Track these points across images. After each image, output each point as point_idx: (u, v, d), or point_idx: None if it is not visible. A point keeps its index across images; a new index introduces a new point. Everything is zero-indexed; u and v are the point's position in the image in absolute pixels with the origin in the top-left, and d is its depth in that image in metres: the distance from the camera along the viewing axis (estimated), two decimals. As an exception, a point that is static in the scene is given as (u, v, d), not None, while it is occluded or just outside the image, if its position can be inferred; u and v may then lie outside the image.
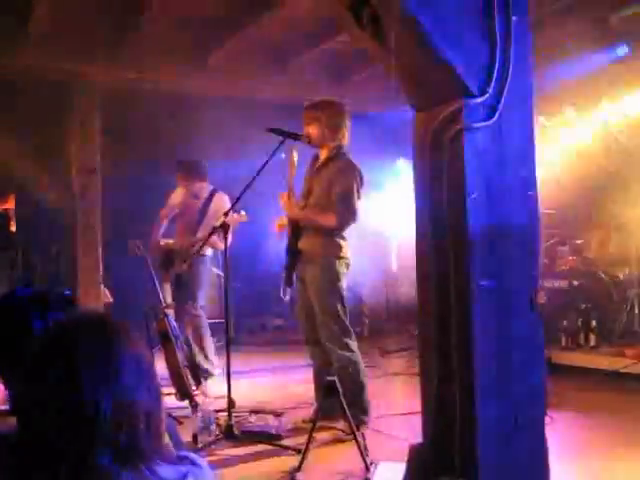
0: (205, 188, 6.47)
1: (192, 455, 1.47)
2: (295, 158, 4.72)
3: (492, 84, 2.34)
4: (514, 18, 2.39)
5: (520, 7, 2.40)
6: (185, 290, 6.13)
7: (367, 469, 3.81)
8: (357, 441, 3.90)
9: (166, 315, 5.40)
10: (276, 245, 6.76)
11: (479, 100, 2.33)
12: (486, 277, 2.31)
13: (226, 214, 4.66)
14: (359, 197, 4.65)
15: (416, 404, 5.24)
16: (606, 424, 4.68)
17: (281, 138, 4.52)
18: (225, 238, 4.62)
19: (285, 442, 4.46)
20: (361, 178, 4.70)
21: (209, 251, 6.45)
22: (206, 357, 6.16)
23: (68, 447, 1.26)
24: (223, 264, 5.04)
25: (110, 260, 7.13)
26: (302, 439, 4.45)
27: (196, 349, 6.10)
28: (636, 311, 6.67)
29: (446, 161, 2.34)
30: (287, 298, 4.86)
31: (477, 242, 2.30)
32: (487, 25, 2.36)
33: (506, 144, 2.41)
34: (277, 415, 5.00)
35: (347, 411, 4.13)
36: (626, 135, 6.94)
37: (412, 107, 2.49)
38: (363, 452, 3.87)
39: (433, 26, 2.20)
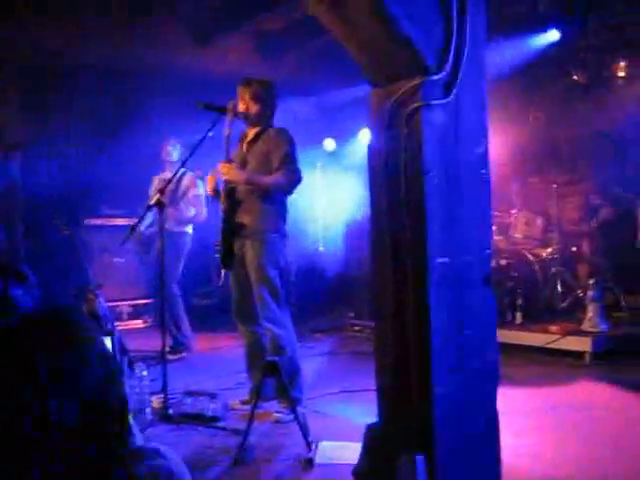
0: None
1: (161, 448, 1.41)
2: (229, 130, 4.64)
3: (449, 62, 2.35)
4: (470, -2, 2.40)
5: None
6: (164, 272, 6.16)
7: (309, 449, 3.82)
8: (298, 421, 3.89)
9: (97, 295, 5.24)
10: (202, 225, 6.72)
11: (436, 77, 2.33)
12: (442, 254, 2.33)
13: (161, 192, 4.54)
14: (297, 157, 4.63)
15: (350, 383, 5.38)
16: (535, 394, 4.87)
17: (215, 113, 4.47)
18: (161, 216, 4.50)
19: (222, 424, 4.43)
20: (294, 141, 4.67)
21: (188, 228, 6.55)
22: (183, 334, 6.36)
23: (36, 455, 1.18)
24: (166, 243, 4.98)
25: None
26: (239, 420, 4.45)
27: (172, 328, 6.25)
28: (559, 289, 6.91)
29: (404, 138, 2.33)
30: (221, 282, 4.80)
31: (434, 219, 2.31)
32: (444, 4, 2.35)
33: (461, 122, 2.43)
34: (212, 397, 4.94)
35: (288, 391, 4.12)
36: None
37: (369, 83, 2.47)
38: (305, 432, 3.88)
39: (395, 1, 2.18)
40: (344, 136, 9.87)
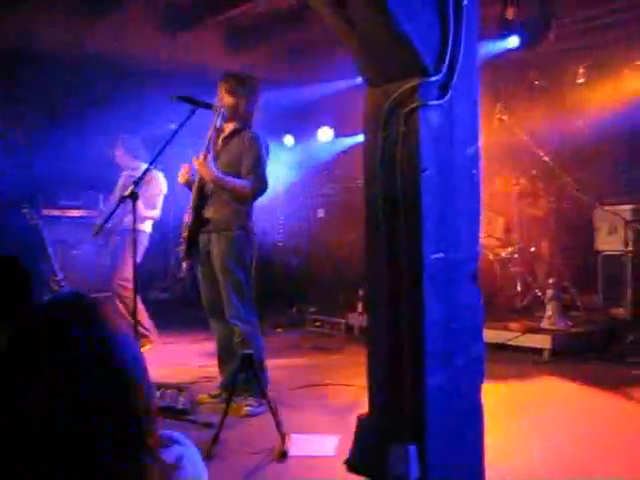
0: (141, 167, 6.38)
1: (175, 434, 1.43)
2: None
3: (445, 64, 2.41)
4: (465, 1, 2.46)
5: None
6: (114, 268, 6.10)
7: (283, 441, 3.85)
8: (274, 414, 3.93)
9: (62, 287, 5.18)
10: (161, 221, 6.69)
11: (434, 79, 2.39)
12: (436, 250, 2.39)
13: (136, 183, 4.51)
14: (266, 167, 4.68)
15: (313, 377, 5.43)
16: (497, 390, 4.99)
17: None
18: (134, 208, 4.46)
19: (192, 417, 4.44)
20: (268, 150, 4.72)
21: (146, 226, 6.44)
22: (142, 327, 6.21)
23: (68, 446, 1.16)
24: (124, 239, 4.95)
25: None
26: (208, 413, 4.46)
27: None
28: (518, 288, 7.08)
29: (400, 137, 2.38)
30: (182, 274, 4.80)
31: (429, 216, 2.38)
32: (441, 7, 2.42)
33: (455, 122, 2.49)
34: (181, 390, 4.93)
35: (261, 384, 4.16)
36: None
37: (366, 81, 2.52)
38: (278, 425, 3.91)
39: (397, 3, 2.23)
40: (304, 133, 9.93)
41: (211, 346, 6.48)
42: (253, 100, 4.74)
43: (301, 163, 9.55)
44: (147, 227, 6.51)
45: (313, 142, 9.93)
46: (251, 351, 4.02)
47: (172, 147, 4.60)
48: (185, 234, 4.69)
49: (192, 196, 4.68)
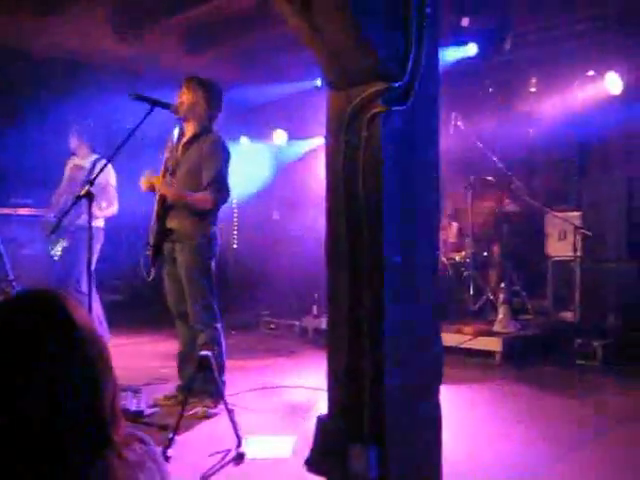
0: (89, 157, 6.26)
1: (139, 433, 1.43)
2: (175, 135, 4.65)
3: (407, 70, 2.45)
4: (427, 10, 2.51)
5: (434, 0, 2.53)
6: (67, 268, 5.97)
7: (239, 443, 3.85)
8: (231, 416, 3.92)
9: (13, 287, 5.09)
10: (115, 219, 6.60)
11: (396, 84, 2.43)
12: (397, 253, 2.43)
13: (91, 182, 4.45)
14: (228, 174, 4.68)
15: (268, 379, 5.44)
16: (450, 391, 5.07)
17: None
18: (90, 208, 4.40)
19: (147, 419, 4.39)
20: (229, 155, 4.72)
21: (100, 222, 6.32)
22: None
23: (35, 445, 1.16)
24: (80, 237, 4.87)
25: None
26: (164, 416, 4.43)
27: None
28: (471, 292, 7.20)
29: (363, 142, 2.42)
30: (151, 278, 4.78)
31: (391, 219, 2.41)
32: (404, 14, 2.46)
33: (417, 128, 2.54)
34: (135, 391, 4.88)
35: (219, 386, 4.15)
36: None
37: (329, 85, 2.54)
38: (235, 427, 3.91)
39: (360, 8, 2.27)
40: (259, 135, 9.94)
41: (166, 348, 6.46)
42: (214, 105, 4.73)
43: (256, 165, 9.55)
44: (101, 222, 6.39)
45: (268, 144, 9.95)
46: (209, 353, 4.00)
47: (143, 149, 4.58)
48: (152, 241, 4.68)
49: (155, 206, 4.67)
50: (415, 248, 2.50)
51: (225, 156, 4.67)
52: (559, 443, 4.03)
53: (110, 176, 6.39)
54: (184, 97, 4.62)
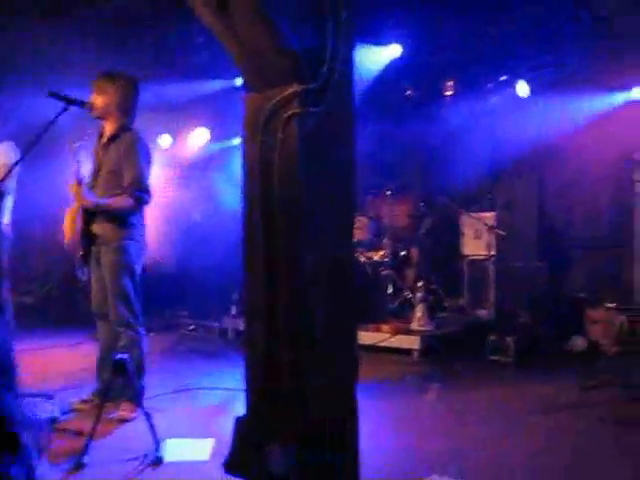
0: None
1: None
2: (77, 148, 4.52)
3: (323, 73, 2.48)
4: (343, 12, 2.54)
5: (349, 3, 2.56)
6: None
7: (157, 447, 3.80)
8: (149, 420, 3.86)
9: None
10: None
11: (312, 86, 2.45)
12: (312, 253, 2.45)
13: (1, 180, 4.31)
14: (149, 174, 4.61)
15: (188, 381, 5.39)
16: (369, 389, 5.16)
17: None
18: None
19: (62, 425, 4.29)
20: (149, 154, 4.65)
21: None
22: None
23: None
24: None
25: None
26: (80, 421, 4.32)
27: None
28: (389, 291, 7.32)
29: (279, 143, 2.43)
30: (85, 278, 4.69)
31: (307, 219, 2.43)
32: (320, 16, 2.48)
33: (332, 129, 2.57)
34: (48, 397, 4.76)
35: (136, 390, 4.09)
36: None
37: (246, 86, 2.55)
38: (153, 430, 3.85)
39: (277, 10, 2.28)
40: (180, 133, 9.82)
41: (82, 351, 6.31)
42: (128, 99, 4.62)
43: (177, 164, 9.44)
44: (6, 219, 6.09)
45: (189, 143, 9.84)
46: (125, 356, 3.94)
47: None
48: (81, 242, 4.59)
49: (79, 214, 4.57)
50: (331, 248, 2.53)
51: (145, 156, 4.59)
52: (475, 437, 4.16)
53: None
54: (95, 98, 4.52)
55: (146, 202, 4.60)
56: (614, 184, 7.37)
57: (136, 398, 4.18)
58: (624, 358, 5.78)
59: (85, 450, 3.69)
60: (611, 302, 6.74)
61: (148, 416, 3.93)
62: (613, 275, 7.33)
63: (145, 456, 3.77)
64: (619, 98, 7.25)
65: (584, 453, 3.86)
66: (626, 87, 7.19)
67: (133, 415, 4.37)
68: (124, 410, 4.41)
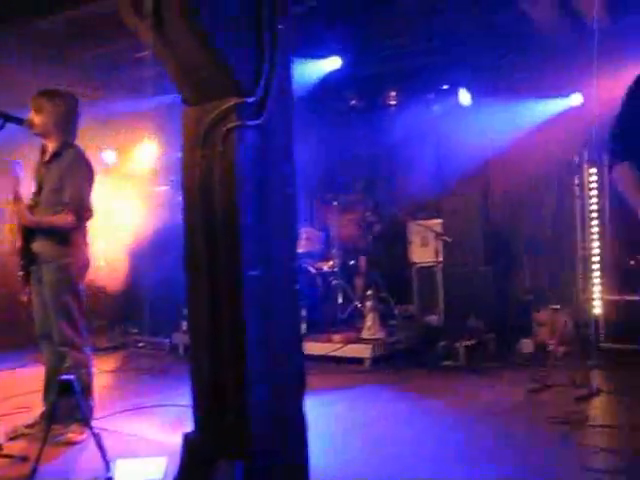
0: None
1: None
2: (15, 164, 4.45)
3: (261, 85, 2.49)
4: (280, 27, 2.56)
5: (286, 17, 2.58)
6: None
7: (107, 468, 3.73)
8: (98, 441, 3.79)
9: None
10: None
11: (250, 100, 2.46)
12: (254, 267, 2.45)
13: None
14: (91, 191, 4.56)
15: (137, 399, 5.32)
16: (323, 399, 5.15)
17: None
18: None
19: (5, 451, 4.17)
20: (91, 171, 4.60)
21: None
22: None
23: None
24: None
25: None
26: (25, 446, 4.22)
27: None
28: (339, 300, 7.35)
29: (218, 157, 2.43)
30: (26, 298, 4.59)
31: (247, 233, 2.43)
32: (257, 30, 2.50)
33: (271, 142, 2.58)
34: (-8, 423, 4.63)
35: (83, 411, 4.01)
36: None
37: (183, 101, 2.54)
38: (102, 451, 3.78)
39: (213, 25, 2.29)
40: (126, 148, 9.70)
41: (27, 374, 6.15)
42: (67, 117, 4.56)
43: (123, 178, 9.31)
44: None
45: (136, 157, 9.73)
46: (71, 377, 3.86)
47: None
48: (21, 262, 4.49)
49: (19, 233, 4.48)
50: (272, 262, 2.54)
51: (86, 172, 4.54)
52: (428, 441, 4.20)
53: None
54: (34, 116, 4.45)
55: (87, 219, 4.55)
56: (556, 188, 7.54)
57: (84, 419, 4.10)
58: (570, 358, 5.90)
59: (31, 476, 3.61)
60: (556, 304, 6.90)
61: (97, 437, 3.86)
62: (557, 277, 7.49)
63: (95, 479, 3.71)
64: (558, 105, 7.42)
65: (532, 453, 3.92)
66: (564, 94, 7.37)
67: (82, 437, 4.29)
68: (72, 432, 4.32)
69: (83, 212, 4.49)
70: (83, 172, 4.52)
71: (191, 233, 2.51)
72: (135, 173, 9.39)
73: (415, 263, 7.91)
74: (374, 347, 6.49)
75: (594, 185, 6.91)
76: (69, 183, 4.45)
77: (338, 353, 6.48)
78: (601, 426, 4.35)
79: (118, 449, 4.06)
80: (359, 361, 6.45)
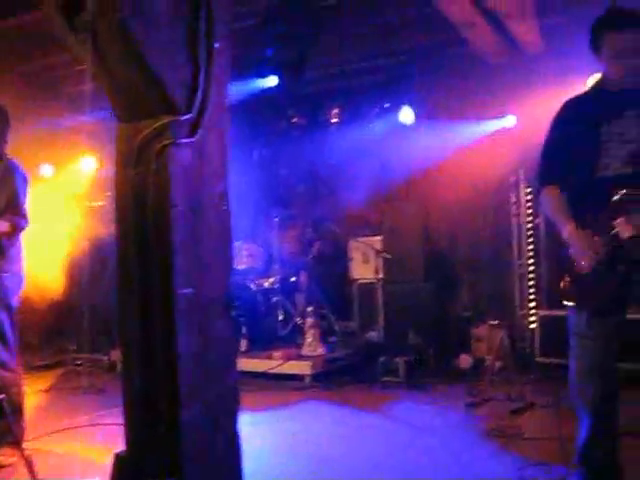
0: None
1: None
2: None
3: (196, 104, 2.48)
4: (216, 45, 2.56)
5: (222, 34, 2.59)
6: None
7: (37, 490, 3.64)
8: (28, 463, 3.70)
9: None
10: None
11: (184, 117, 2.45)
12: (187, 285, 2.44)
13: None
14: (25, 200, 4.47)
15: (73, 419, 5.20)
16: (264, 417, 5.12)
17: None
18: None
19: None
20: (25, 180, 4.52)
21: None
22: None
23: None
24: None
25: None
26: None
27: None
28: (280, 317, 7.34)
29: (151, 174, 2.41)
30: None
31: (180, 252, 2.42)
32: (192, 47, 2.49)
33: (206, 160, 2.57)
34: None
35: (13, 432, 3.91)
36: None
37: (117, 118, 2.52)
38: (33, 474, 3.69)
39: (147, 41, 2.27)
40: (63, 162, 9.53)
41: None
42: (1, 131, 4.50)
43: (61, 193, 9.14)
44: None
45: (75, 171, 9.56)
46: (1, 397, 3.77)
47: None
48: None
49: None
50: (206, 280, 2.53)
51: (19, 182, 4.46)
52: (367, 456, 4.22)
53: None
54: None
55: (22, 227, 4.46)
56: (493, 206, 7.70)
57: (15, 441, 3.99)
58: (506, 372, 6.01)
59: (-43, 500, 3.50)
60: (494, 319, 7.03)
61: (28, 459, 3.76)
62: (495, 294, 7.63)
63: (24, 501, 3.62)
64: (494, 125, 7.59)
65: (471, 466, 3.98)
66: (499, 115, 7.54)
67: (12, 459, 4.18)
68: (2, 455, 4.21)
69: (19, 220, 4.40)
70: (18, 181, 4.46)
71: (124, 249, 2.48)
72: (72, 187, 9.22)
73: (356, 280, 7.96)
74: (314, 364, 6.50)
75: (530, 204, 7.10)
76: (5, 193, 4.37)
77: (278, 370, 6.47)
78: (535, 439, 4.45)
79: (50, 471, 3.98)
80: (300, 378, 6.44)
